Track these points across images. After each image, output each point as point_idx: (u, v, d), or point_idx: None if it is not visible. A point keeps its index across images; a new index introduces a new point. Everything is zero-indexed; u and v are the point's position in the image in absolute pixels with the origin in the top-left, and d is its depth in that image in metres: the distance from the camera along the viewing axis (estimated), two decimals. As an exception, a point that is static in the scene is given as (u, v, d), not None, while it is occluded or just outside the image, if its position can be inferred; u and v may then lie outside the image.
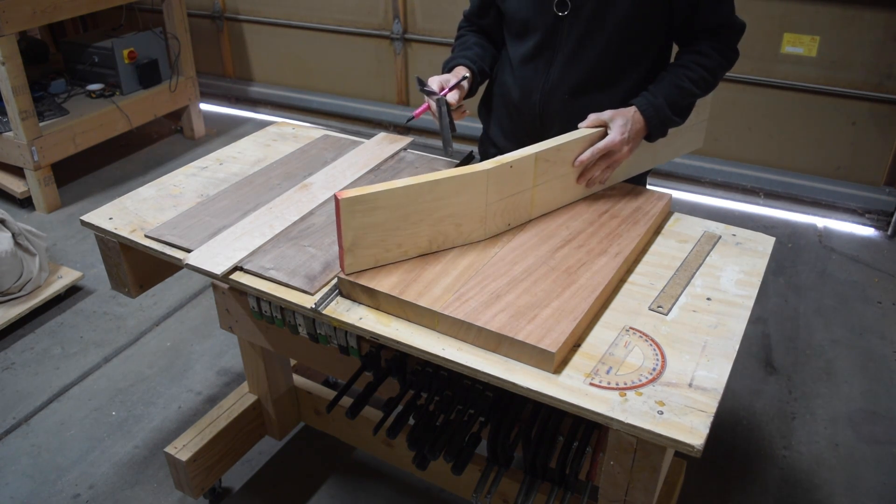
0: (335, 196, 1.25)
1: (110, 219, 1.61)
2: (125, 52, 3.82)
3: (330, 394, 2.05)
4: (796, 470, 2.11)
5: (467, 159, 1.73)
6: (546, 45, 1.57)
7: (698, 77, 1.52)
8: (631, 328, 1.26)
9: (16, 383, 2.46)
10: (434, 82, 1.58)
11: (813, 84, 3.29)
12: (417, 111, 1.62)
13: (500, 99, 1.73)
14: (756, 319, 2.71)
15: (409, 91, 4.23)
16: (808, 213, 3.44)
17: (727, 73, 1.60)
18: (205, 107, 4.54)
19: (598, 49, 1.52)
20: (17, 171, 3.53)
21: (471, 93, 1.65)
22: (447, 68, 1.67)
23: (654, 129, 1.51)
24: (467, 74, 1.61)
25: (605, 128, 1.49)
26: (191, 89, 4.15)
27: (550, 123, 1.62)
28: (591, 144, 1.51)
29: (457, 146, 1.60)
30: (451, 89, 1.56)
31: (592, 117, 1.50)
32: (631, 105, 1.50)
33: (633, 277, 1.40)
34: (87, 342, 2.65)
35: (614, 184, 1.64)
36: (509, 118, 1.72)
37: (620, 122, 1.47)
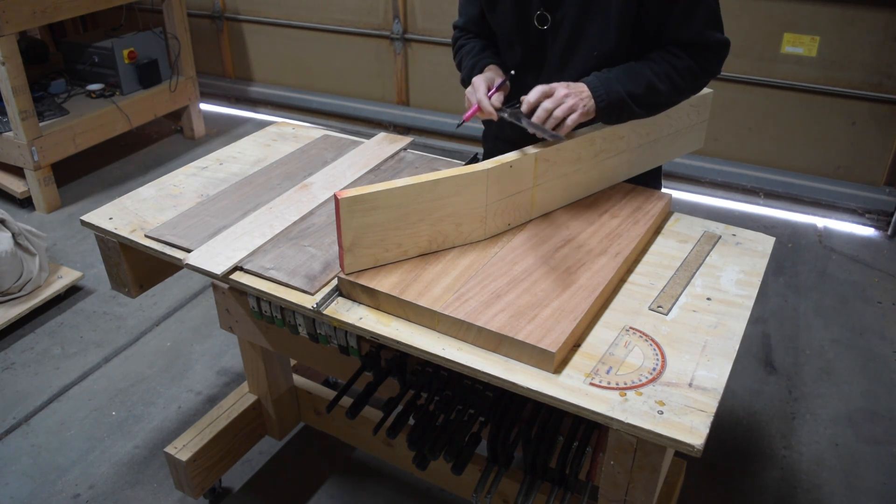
0: (335, 196, 1.25)
1: (110, 219, 1.61)
2: (125, 52, 3.82)
3: (330, 394, 2.05)
4: (796, 470, 2.11)
5: (472, 161, 1.73)
6: (531, 58, 1.57)
7: (661, 71, 1.46)
8: (631, 328, 1.26)
9: (16, 383, 2.46)
10: (480, 83, 1.49)
11: (813, 84, 3.29)
12: (467, 115, 1.50)
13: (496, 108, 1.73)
14: (756, 319, 2.71)
15: (410, 91, 4.24)
16: (808, 213, 3.44)
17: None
18: (205, 107, 4.54)
19: (581, 62, 1.51)
20: (17, 171, 3.53)
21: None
22: (477, 71, 1.60)
23: (600, 101, 1.42)
24: (512, 72, 1.55)
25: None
26: (191, 89, 4.15)
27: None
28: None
29: (461, 147, 1.57)
30: (497, 90, 1.49)
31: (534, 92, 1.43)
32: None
33: (633, 277, 1.40)
34: (87, 342, 2.65)
35: (614, 184, 1.64)
36: (502, 129, 1.72)
37: (562, 83, 1.43)
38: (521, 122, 1.43)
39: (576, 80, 1.49)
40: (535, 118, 1.40)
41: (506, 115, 1.45)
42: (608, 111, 1.44)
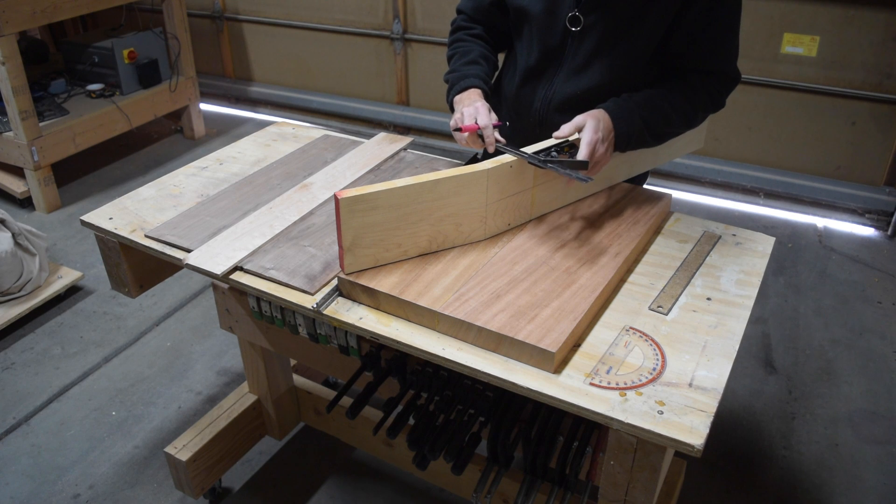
0: (335, 196, 1.25)
1: (110, 219, 1.61)
2: (125, 52, 3.82)
3: (330, 394, 2.05)
4: (796, 470, 2.11)
5: (472, 161, 1.73)
6: (553, 57, 1.55)
7: (678, 104, 1.48)
8: (631, 328, 1.26)
9: (16, 383, 2.46)
10: (485, 111, 1.46)
11: (813, 84, 3.29)
12: (468, 127, 1.45)
13: (503, 98, 1.72)
14: (756, 319, 2.71)
15: (410, 91, 4.24)
16: (808, 213, 3.44)
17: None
18: (205, 107, 4.54)
19: (604, 67, 1.50)
20: (17, 171, 3.53)
21: None
22: (460, 88, 1.57)
23: (620, 138, 1.44)
24: (507, 123, 1.58)
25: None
26: (191, 89, 4.15)
27: (550, 132, 1.61)
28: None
29: (461, 147, 1.54)
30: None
31: (566, 127, 1.42)
32: (600, 109, 1.44)
33: (633, 277, 1.40)
34: (87, 342, 2.65)
35: (614, 184, 1.64)
36: (510, 120, 1.72)
37: (592, 123, 1.40)
38: (545, 167, 1.37)
39: (597, 81, 1.50)
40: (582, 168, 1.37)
41: (533, 161, 1.38)
42: (626, 144, 1.46)
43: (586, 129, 1.39)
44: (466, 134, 1.46)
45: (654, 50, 1.50)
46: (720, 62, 1.49)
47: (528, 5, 1.54)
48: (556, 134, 1.42)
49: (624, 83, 1.51)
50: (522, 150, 1.41)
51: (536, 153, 1.40)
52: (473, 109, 1.47)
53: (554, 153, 1.41)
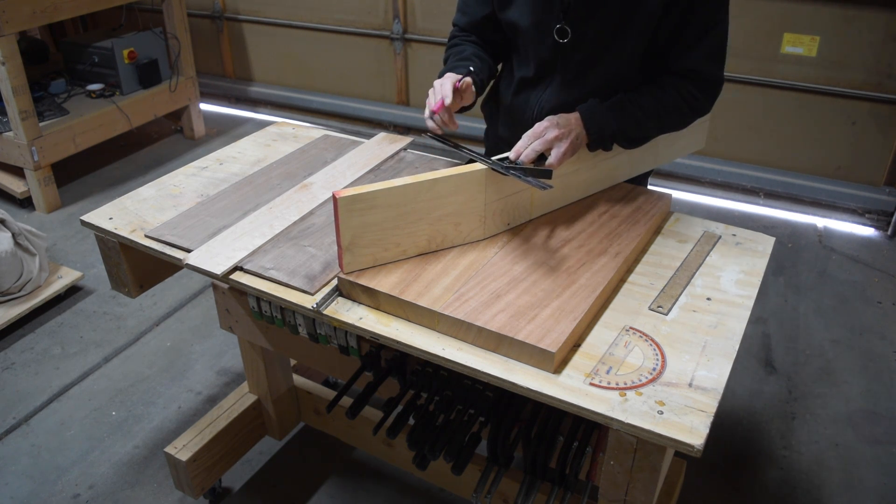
0: (333, 195, 1.25)
1: (110, 219, 1.61)
2: (125, 52, 3.82)
3: (330, 394, 2.05)
4: (796, 470, 2.11)
5: (471, 161, 1.72)
6: (546, 69, 1.56)
7: (651, 108, 1.47)
8: (631, 328, 1.26)
9: (16, 383, 2.46)
10: (447, 79, 1.47)
11: (813, 84, 3.29)
12: (436, 107, 1.46)
13: (501, 107, 1.73)
14: (756, 319, 2.71)
15: (410, 91, 4.24)
16: (808, 213, 3.44)
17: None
18: (205, 107, 4.54)
19: (596, 76, 1.51)
20: (17, 171, 3.53)
21: (471, 105, 1.57)
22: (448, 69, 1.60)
23: (591, 133, 1.44)
24: (468, 79, 1.53)
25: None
26: (191, 89, 4.15)
27: None
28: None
29: (462, 146, 1.53)
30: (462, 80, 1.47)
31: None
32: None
33: (632, 277, 1.40)
34: (87, 342, 2.65)
35: (614, 184, 1.64)
36: (507, 127, 1.72)
37: (539, 123, 1.41)
38: (508, 174, 1.36)
39: (590, 89, 1.50)
40: (524, 157, 1.37)
41: (496, 168, 1.37)
42: (595, 145, 1.47)
43: (532, 128, 1.39)
44: (437, 117, 1.46)
45: (643, 56, 1.50)
46: (696, 61, 1.46)
47: (518, 19, 1.54)
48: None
49: (617, 91, 1.51)
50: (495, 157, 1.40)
51: (501, 160, 1.39)
52: (440, 82, 1.48)
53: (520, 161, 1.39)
